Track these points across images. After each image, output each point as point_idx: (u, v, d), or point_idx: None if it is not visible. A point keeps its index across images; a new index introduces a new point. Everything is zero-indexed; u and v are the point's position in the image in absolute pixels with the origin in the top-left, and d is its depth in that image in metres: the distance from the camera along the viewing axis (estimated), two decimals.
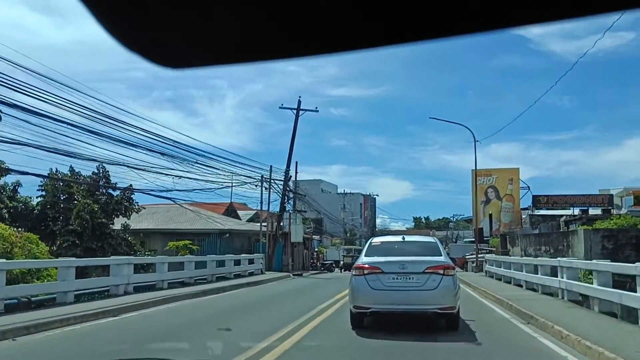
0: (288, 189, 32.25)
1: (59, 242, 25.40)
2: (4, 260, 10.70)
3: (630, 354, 6.24)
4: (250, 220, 38.57)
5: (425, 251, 9.11)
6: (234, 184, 28.92)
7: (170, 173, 21.93)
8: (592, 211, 31.63)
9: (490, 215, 37.76)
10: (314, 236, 45.38)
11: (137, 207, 27.02)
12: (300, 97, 32.22)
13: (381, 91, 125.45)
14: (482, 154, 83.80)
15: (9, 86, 13.38)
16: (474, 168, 32.90)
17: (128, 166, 19.95)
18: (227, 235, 29.58)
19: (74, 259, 13.76)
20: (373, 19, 0.63)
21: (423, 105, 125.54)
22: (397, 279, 8.43)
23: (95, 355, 7.26)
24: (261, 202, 31.01)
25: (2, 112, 14.17)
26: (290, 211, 32.97)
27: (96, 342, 8.02)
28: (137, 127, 18.64)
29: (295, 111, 31.77)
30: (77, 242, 24.16)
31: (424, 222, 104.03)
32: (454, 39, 0.64)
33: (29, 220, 25.56)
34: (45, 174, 23.58)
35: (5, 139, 14.59)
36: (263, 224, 31.00)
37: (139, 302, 11.96)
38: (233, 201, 38.26)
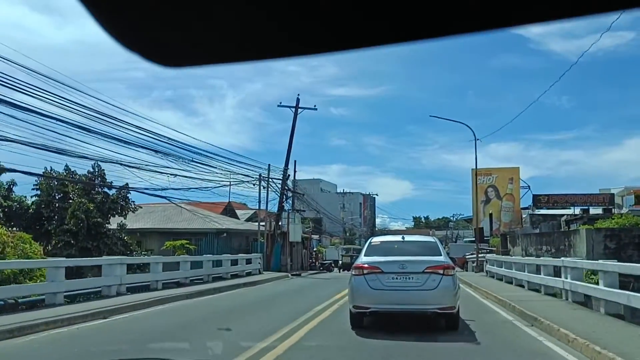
0: (286, 187, 31.91)
1: (54, 241, 25.09)
2: None
3: None
4: (249, 219, 38.23)
5: (425, 251, 9.07)
6: (231, 183, 28.56)
7: (165, 171, 21.52)
8: (593, 210, 31.51)
9: (491, 215, 37.52)
10: (313, 236, 45.04)
11: (133, 206, 26.65)
12: (298, 95, 31.92)
13: (381, 91, 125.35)
14: (482, 154, 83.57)
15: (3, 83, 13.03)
16: (474, 167, 32.61)
17: (121, 164, 19.58)
18: (225, 234, 29.23)
19: (63, 259, 13.45)
20: (373, 18, 0.64)
21: (423, 105, 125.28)
22: (396, 278, 8.40)
23: (78, 359, 6.94)
24: (259, 201, 30.69)
25: None
26: (289, 210, 32.63)
27: (81, 346, 7.70)
28: (131, 125, 18.15)
29: (293, 109, 31.44)
30: (72, 241, 23.82)
31: (423, 221, 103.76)
32: (454, 38, 0.65)
33: (24, 219, 25.21)
34: (40, 172, 23.23)
35: None
36: (261, 223, 30.66)
37: (131, 303, 11.62)
38: (232, 201, 37.93)
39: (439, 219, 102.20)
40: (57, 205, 25.45)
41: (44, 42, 69.10)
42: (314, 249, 42.76)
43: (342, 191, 76.76)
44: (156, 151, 19.49)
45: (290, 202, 33.68)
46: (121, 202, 25.91)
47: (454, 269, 8.98)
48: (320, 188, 71.90)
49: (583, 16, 0.61)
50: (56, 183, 25.40)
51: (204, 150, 24.27)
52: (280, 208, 31.37)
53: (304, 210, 37.25)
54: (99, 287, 12.79)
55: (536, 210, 39.99)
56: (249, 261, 24.65)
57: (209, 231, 28.95)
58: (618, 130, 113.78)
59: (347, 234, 67.95)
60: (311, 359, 6.89)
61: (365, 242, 10.99)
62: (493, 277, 21.44)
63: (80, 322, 9.43)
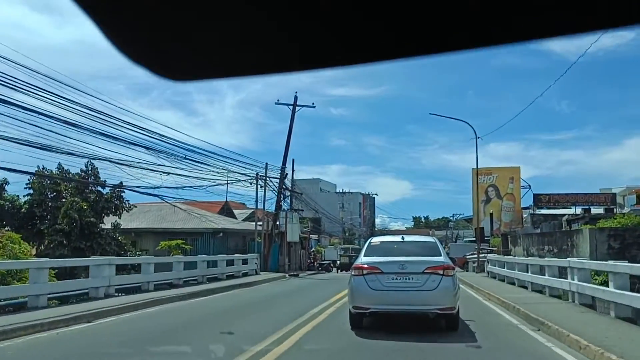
0: (284, 187, 31.40)
1: (47, 241, 24.60)
2: None
3: None
4: (247, 219, 37.69)
5: (425, 251, 9.03)
6: (227, 182, 28.03)
7: (158, 169, 20.96)
8: (595, 210, 31.13)
9: (491, 215, 37.04)
10: (311, 236, 44.52)
11: (127, 205, 26.14)
12: (296, 92, 31.16)
13: (381, 91, 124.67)
14: (482, 154, 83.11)
15: None
16: (474, 167, 32.22)
17: (111, 161, 19.01)
18: (221, 234, 28.73)
19: (45, 259, 12.94)
20: (382, 34, 0.65)
21: (423, 104, 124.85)
22: (396, 279, 8.37)
23: None
24: (256, 201, 30.18)
25: None
26: (287, 210, 32.12)
27: (59, 352, 7.22)
28: (122, 121, 17.58)
29: (291, 107, 30.93)
30: (64, 242, 23.32)
31: (423, 221, 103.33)
32: (462, 53, 0.67)
33: (16, 219, 24.74)
34: (32, 171, 22.70)
35: None
36: (258, 223, 30.14)
37: (118, 305, 11.12)
38: (230, 200, 37.41)
39: (438, 219, 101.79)
40: (49, 204, 24.97)
41: (44, 42, 68.71)
42: (312, 249, 42.23)
43: (341, 191, 76.21)
44: (148, 148, 18.90)
45: (289, 201, 33.17)
46: (115, 201, 25.41)
47: (454, 270, 8.92)
48: (319, 188, 71.43)
49: (586, 32, 0.64)
50: (49, 182, 24.89)
51: (198, 148, 23.68)
52: (278, 207, 30.87)
53: (302, 210, 36.75)
54: (86, 289, 12.27)
55: (537, 210, 39.65)
56: (245, 261, 24.15)
57: (205, 231, 28.47)
58: (618, 130, 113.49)
59: (347, 234, 67.42)
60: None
61: (365, 242, 10.90)
62: (495, 277, 20.97)
63: (62, 326, 8.92)
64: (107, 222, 25.43)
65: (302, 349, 7.27)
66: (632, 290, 9.14)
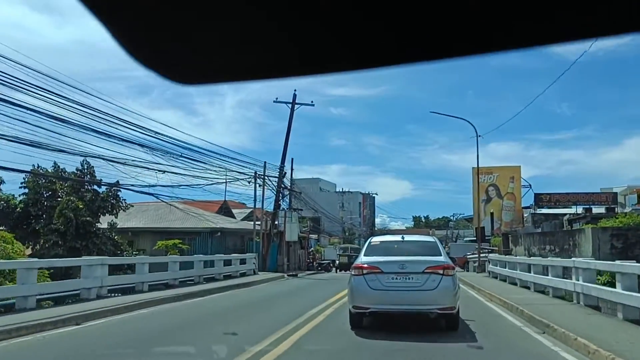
0: (283, 186, 31.07)
1: (42, 241, 24.28)
2: None
3: None
4: (246, 218, 37.34)
5: (425, 251, 9.01)
6: (224, 181, 27.69)
7: (153, 167, 20.59)
8: (596, 210, 30.89)
9: (492, 214, 36.81)
10: (311, 235, 44.18)
11: (124, 204, 25.81)
12: (295, 90, 30.79)
13: (381, 91, 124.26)
14: (482, 153, 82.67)
15: None
16: (474, 166, 31.95)
17: (104, 159, 18.65)
18: (219, 234, 28.40)
19: (35, 259, 12.63)
20: (385, 41, 0.66)
21: (423, 104, 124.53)
22: (396, 279, 8.35)
23: None
24: (254, 200, 29.84)
25: None
26: (286, 209, 31.79)
27: (40, 357, 6.89)
28: (116, 118, 17.21)
29: (290, 105, 30.60)
30: (59, 241, 22.97)
31: (423, 221, 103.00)
32: (464, 59, 0.68)
33: (11, 218, 24.42)
34: (27, 170, 22.35)
35: None
36: (257, 222, 29.80)
37: (110, 307, 10.78)
38: (230, 199, 37.07)
39: (439, 218, 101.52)
40: (45, 203, 24.65)
41: (44, 42, 68.45)
42: (311, 249, 41.89)
43: (341, 190, 75.84)
44: (142, 145, 18.54)
45: (288, 200, 32.84)
46: (111, 201, 25.09)
47: (454, 269, 8.88)
48: (319, 187, 71.10)
49: (587, 39, 0.65)
50: (44, 181, 24.56)
51: (195, 146, 23.36)
52: (277, 206, 30.53)
53: (301, 209, 36.40)
54: (78, 290, 11.94)
55: (537, 209, 39.38)
56: (243, 261, 23.80)
57: (202, 230, 28.15)
58: (618, 130, 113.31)
59: (347, 234, 67.07)
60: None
61: (365, 241, 10.81)
62: (496, 277, 20.67)
63: (49, 329, 8.60)
64: (104, 222, 25.12)
65: (301, 349, 7.18)
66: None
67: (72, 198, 23.50)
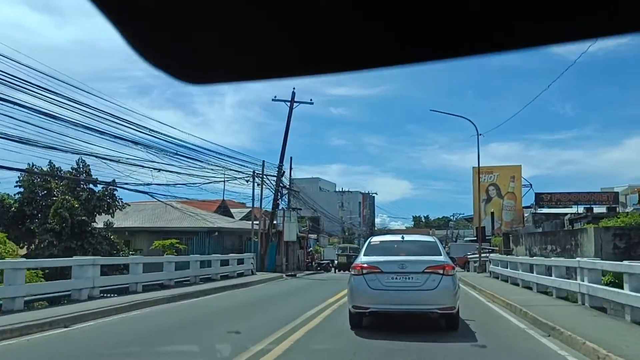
0: (281, 185, 30.73)
1: (37, 241, 23.95)
2: None
3: None
4: (245, 218, 37.02)
5: (425, 250, 8.99)
6: (221, 180, 27.37)
7: (147, 165, 20.22)
8: (597, 209, 30.72)
9: (492, 214, 36.56)
10: (310, 235, 43.83)
11: (120, 204, 25.45)
12: (294, 88, 30.46)
13: (381, 90, 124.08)
14: (483, 153, 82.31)
15: None
16: (474, 166, 31.69)
17: (97, 156, 18.28)
18: (216, 233, 28.07)
19: (22, 260, 12.32)
20: (385, 40, 0.67)
21: (423, 104, 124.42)
22: (396, 278, 8.32)
23: None
24: (252, 199, 29.51)
25: None
26: (284, 209, 31.44)
27: None
28: (106, 113, 16.80)
29: (288, 103, 30.26)
30: (54, 241, 22.63)
31: (423, 221, 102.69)
32: (465, 59, 0.69)
33: (6, 218, 24.08)
34: (22, 168, 21.98)
35: None
36: (255, 222, 29.46)
37: (101, 308, 10.45)
38: (230, 199, 36.76)
39: (439, 218, 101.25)
40: (40, 203, 24.31)
41: (44, 42, 68.19)
42: (310, 249, 41.55)
43: (341, 190, 75.50)
44: (136, 143, 18.18)
45: (286, 200, 32.50)
46: (107, 200, 24.73)
47: (454, 269, 8.84)
48: (319, 187, 70.79)
49: (589, 39, 0.65)
50: (39, 179, 24.21)
51: (191, 144, 22.99)
52: (275, 206, 30.19)
53: (300, 209, 36.06)
54: (68, 291, 11.60)
55: (538, 209, 39.13)
56: (240, 261, 23.47)
57: (200, 230, 27.82)
58: (618, 130, 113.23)
59: (346, 234, 66.72)
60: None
61: (365, 241, 10.86)
62: (497, 278, 20.37)
63: (35, 332, 8.27)
64: (100, 221, 24.78)
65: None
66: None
67: (67, 197, 23.16)
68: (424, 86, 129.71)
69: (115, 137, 17.30)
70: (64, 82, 15.44)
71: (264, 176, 29.11)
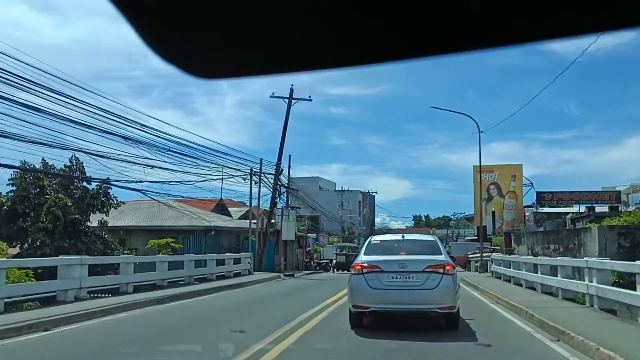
0: (280, 183, 30.24)
1: (30, 240, 23.47)
2: None
3: None
4: (244, 217, 36.53)
5: (425, 250, 8.92)
6: (218, 178, 26.88)
7: (140, 162, 19.68)
8: (599, 208, 30.47)
9: (493, 213, 36.19)
10: (310, 234, 43.37)
11: (115, 202, 24.93)
12: (292, 85, 29.99)
13: (380, 90, 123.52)
14: (483, 152, 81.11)
15: None
16: (475, 164, 31.25)
17: (85, 152, 17.75)
18: (213, 232, 27.57)
19: (3, 259, 11.77)
20: (384, 36, 0.68)
21: (423, 103, 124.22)
22: (396, 278, 8.29)
23: None
24: (250, 197, 29.04)
25: None
26: (283, 207, 30.95)
27: None
28: (94, 107, 16.23)
29: (287, 100, 29.80)
30: (47, 240, 22.13)
31: (424, 220, 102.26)
32: (463, 55, 0.69)
33: None
34: (15, 165, 21.47)
35: None
36: (253, 220, 28.98)
37: (85, 310, 9.96)
38: (229, 198, 36.27)
39: (439, 217, 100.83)
40: (33, 201, 23.81)
41: (44, 41, 67.82)
42: (309, 248, 41.07)
43: (340, 189, 75.03)
44: (126, 138, 17.67)
45: (285, 198, 32.03)
46: (102, 198, 24.23)
47: (455, 268, 8.83)
48: (318, 186, 70.37)
49: (588, 34, 0.65)
50: (31, 177, 23.72)
51: (186, 140, 22.45)
52: (273, 204, 29.71)
53: (299, 208, 35.58)
54: (54, 292, 11.10)
55: (540, 208, 38.79)
56: (237, 261, 22.98)
57: (196, 229, 27.34)
58: (618, 130, 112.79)
59: (346, 233, 66.28)
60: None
61: (365, 241, 10.89)
62: (499, 278, 19.91)
63: (12, 335, 7.79)
64: (94, 220, 24.28)
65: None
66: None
67: (60, 195, 22.67)
68: (423, 85, 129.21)
69: (105, 132, 16.74)
70: (47, 72, 14.88)
71: (262, 174, 28.66)
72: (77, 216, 22.83)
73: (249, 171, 27.75)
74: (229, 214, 36.19)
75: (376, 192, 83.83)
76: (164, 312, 11.27)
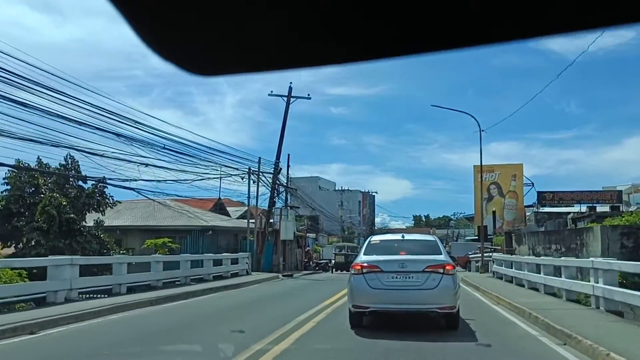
0: (278, 182, 29.92)
1: (25, 239, 23.16)
2: None
3: None
4: (242, 216, 36.23)
5: (425, 250, 8.90)
6: (215, 177, 26.57)
7: (134, 160, 19.33)
8: (600, 208, 30.31)
9: (494, 212, 35.90)
10: (309, 234, 43.06)
11: (111, 201, 24.61)
12: (291, 83, 29.69)
13: (380, 90, 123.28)
14: (483, 152, 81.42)
15: None
16: (475, 164, 30.98)
17: (77, 149, 17.40)
18: (210, 232, 27.25)
19: None
20: (383, 32, 0.68)
21: (422, 103, 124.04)
22: (396, 278, 8.27)
23: None
24: (248, 197, 28.74)
25: None
26: (281, 207, 30.64)
27: None
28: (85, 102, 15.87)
29: (285, 98, 29.49)
30: (42, 240, 21.82)
31: (424, 220, 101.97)
32: (462, 51, 0.69)
33: None
34: (9, 164, 21.14)
35: None
36: (251, 220, 28.66)
37: (75, 312, 9.63)
38: (228, 197, 35.97)
39: (439, 217, 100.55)
40: (28, 200, 23.51)
41: (44, 41, 67.55)
42: (308, 248, 40.76)
43: (340, 189, 74.71)
44: (119, 135, 17.34)
45: (283, 198, 31.71)
46: (97, 197, 23.91)
47: (455, 268, 8.82)
48: (318, 186, 70.08)
49: (587, 30, 0.64)
50: (26, 176, 23.39)
51: (182, 138, 22.11)
52: (272, 204, 29.40)
53: (298, 207, 35.28)
54: (43, 293, 10.77)
55: (540, 207, 38.55)
56: (235, 261, 22.67)
57: (193, 229, 27.03)
58: (618, 130, 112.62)
59: (346, 233, 65.98)
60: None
61: (364, 241, 10.88)
62: (501, 278, 19.60)
63: None
64: (90, 220, 23.98)
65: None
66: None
67: (55, 194, 22.35)
68: (423, 85, 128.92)
69: (97, 128, 16.40)
70: (38, 67, 14.54)
71: (261, 173, 28.35)
72: (72, 216, 22.53)
73: (247, 170, 27.43)
74: (227, 214, 35.90)
75: (376, 192, 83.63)
76: (157, 314, 10.97)
